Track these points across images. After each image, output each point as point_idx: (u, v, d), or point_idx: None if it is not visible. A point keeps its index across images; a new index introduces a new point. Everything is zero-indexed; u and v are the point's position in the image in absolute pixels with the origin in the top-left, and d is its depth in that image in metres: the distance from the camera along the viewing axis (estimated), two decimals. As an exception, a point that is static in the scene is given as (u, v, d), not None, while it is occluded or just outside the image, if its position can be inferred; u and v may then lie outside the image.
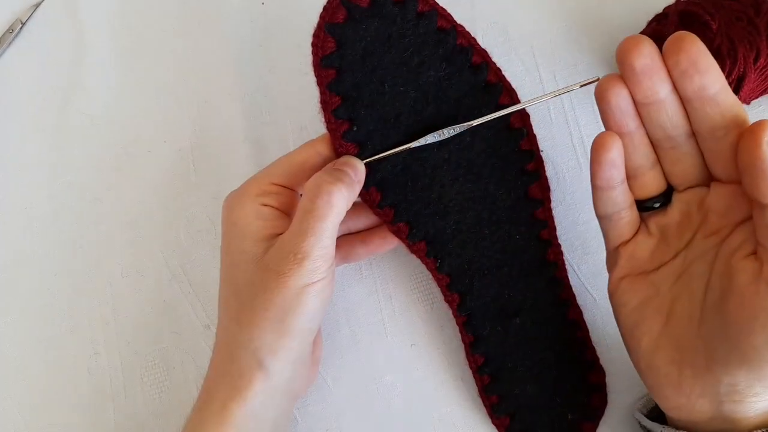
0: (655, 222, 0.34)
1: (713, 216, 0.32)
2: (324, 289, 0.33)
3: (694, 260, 0.32)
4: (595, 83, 0.32)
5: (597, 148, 0.32)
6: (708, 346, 0.30)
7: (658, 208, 0.34)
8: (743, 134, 0.28)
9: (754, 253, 0.29)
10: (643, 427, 0.36)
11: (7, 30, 0.48)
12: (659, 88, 0.30)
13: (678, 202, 0.33)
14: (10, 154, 0.46)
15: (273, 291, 0.32)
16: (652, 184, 0.33)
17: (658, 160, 0.33)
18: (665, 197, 0.33)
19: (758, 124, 0.28)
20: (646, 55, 0.29)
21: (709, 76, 0.29)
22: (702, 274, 0.31)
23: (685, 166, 0.32)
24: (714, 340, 0.30)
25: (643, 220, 0.35)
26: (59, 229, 0.45)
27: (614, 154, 0.31)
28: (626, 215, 0.34)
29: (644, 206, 0.34)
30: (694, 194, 0.33)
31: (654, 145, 0.32)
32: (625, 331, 0.35)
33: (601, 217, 0.35)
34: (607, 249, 0.36)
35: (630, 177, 0.33)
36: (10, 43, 0.48)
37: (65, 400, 0.42)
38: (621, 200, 0.33)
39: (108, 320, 0.43)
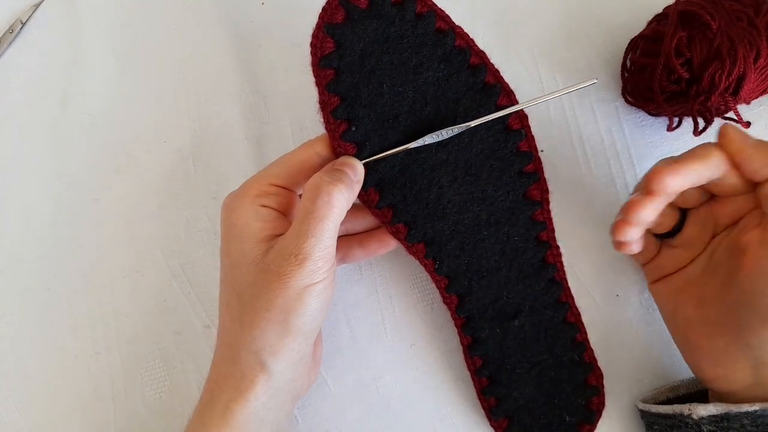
0: (675, 239, 0.38)
1: (723, 218, 0.36)
2: (325, 289, 0.33)
3: (715, 251, 0.36)
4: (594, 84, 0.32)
5: (634, 209, 0.34)
6: (733, 316, 0.33)
7: (674, 233, 0.38)
8: None
9: (760, 224, 0.33)
10: (647, 413, 0.37)
11: (8, 30, 0.48)
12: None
13: (691, 219, 0.37)
14: (10, 154, 0.46)
15: (274, 292, 0.32)
16: (669, 222, 0.37)
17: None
18: (679, 225, 0.37)
19: None
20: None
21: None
22: (722, 259, 0.35)
23: (695, 196, 0.36)
24: (737, 309, 0.33)
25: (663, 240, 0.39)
26: (59, 229, 0.45)
27: (651, 214, 0.34)
28: (649, 244, 0.38)
29: (663, 236, 0.38)
30: (704, 209, 0.37)
31: None
32: (666, 318, 0.39)
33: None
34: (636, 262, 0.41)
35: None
36: (10, 44, 0.48)
37: (65, 400, 0.43)
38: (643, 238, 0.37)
39: (108, 320, 0.43)
